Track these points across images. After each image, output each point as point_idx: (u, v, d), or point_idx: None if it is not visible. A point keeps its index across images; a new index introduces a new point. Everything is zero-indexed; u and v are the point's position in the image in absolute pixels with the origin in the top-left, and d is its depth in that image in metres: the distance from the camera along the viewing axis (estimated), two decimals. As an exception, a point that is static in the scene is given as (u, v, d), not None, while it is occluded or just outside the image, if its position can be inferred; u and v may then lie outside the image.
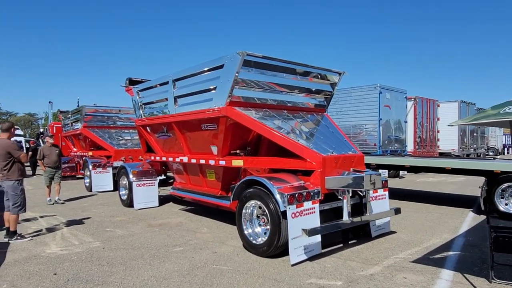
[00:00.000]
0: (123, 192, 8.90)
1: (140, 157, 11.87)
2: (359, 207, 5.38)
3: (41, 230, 6.41)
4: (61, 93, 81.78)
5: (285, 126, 5.47)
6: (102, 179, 11.18)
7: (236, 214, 5.21)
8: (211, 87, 5.73)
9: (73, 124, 13.69)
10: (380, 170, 9.27)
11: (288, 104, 6.18)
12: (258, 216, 5.14)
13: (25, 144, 21.75)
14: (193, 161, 6.60)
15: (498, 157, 30.99)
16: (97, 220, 7.18)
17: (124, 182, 8.87)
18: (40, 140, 20.86)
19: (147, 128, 7.87)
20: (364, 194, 5.36)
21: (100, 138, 12.07)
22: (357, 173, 4.90)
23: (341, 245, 5.36)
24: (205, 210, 7.90)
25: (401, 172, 15.51)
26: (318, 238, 4.74)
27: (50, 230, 6.44)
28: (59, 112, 16.76)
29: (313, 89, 6.45)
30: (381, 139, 14.36)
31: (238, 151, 5.87)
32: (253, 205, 5.07)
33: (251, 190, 4.94)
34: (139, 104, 7.95)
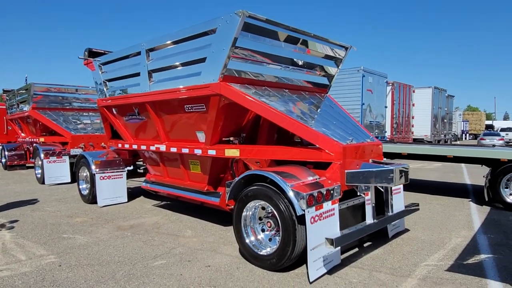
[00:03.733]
0: (84, 186, 7.52)
1: (103, 144, 10.42)
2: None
3: (-25, 239, 5.00)
4: (5, 69, 73.82)
5: (290, 108, 4.46)
6: (57, 170, 9.60)
7: (233, 217, 4.19)
8: (199, 58, 4.56)
9: (20, 105, 11.76)
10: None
11: (289, 82, 5.17)
12: (260, 218, 4.16)
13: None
14: (173, 150, 5.43)
15: (458, 142, 32.22)
16: (51, 223, 5.84)
17: (85, 174, 7.49)
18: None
19: (113, 110, 6.52)
20: (384, 189, 4.54)
21: (54, 121, 10.37)
22: (384, 165, 4.04)
23: (356, 249, 4.53)
24: (184, 207, 6.78)
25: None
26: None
27: (-12, 238, 5.06)
28: (3, 92, 14.53)
29: (317, 65, 5.47)
30: (363, 124, 13.83)
31: (231, 139, 4.80)
32: (255, 205, 4.07)
33: (255, 188, 3.92)
34: (102, 80, 6.55)
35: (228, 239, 4.96)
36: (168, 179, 6.13)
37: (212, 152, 4.82)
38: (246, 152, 4.51)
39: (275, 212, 3.75)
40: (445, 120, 23.42)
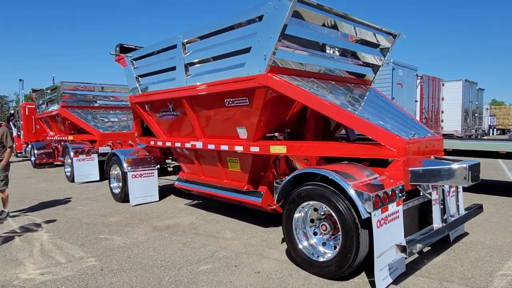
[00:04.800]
0: (115, 184, 7.37)
1: (130, 141, 10.32)
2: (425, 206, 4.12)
3: (11, 239, 4.88)
4: (33, 70, 75.38)
5: (342, 101, 4.10)
6: (86, 168, 9.54)
7: (283, 220, 3.87)
8: (243, 49, 4.25)
9: (49, 104, 11.81)
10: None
11: (334, 73, 4.80)
12: (311, 221, 3.82)
13: (-6, 128, 19.57)
14: (210, 147, 5.16)
15: (485, 137, 30.85)
16: (86, 222, 5.69)
17: (116, 173, 7.35)
18: (11, 123, 18.68)
19: (145, 106, 6.31)
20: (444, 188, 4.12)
21: (82, 120, 10.33)
22: (450, 162, 3.62)
23: (416, 255, 4.13)
24: (218, 206, 6.52)
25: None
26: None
27: (24, 237, 4.92)
28: (32, 91, 14.70)
29: (363, 54, 5.07)
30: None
31: (276, 134, 4.47)
32: (308, 207, 3.75)
33: (309, 187, 3.59)
34: (135, 76, 6.35)
35: (272, 241, 4.65)
36: (203, 177, 5.87)
37: (255, 149, 4.51)
38: (294, 149, 4.18)
39: (334, 215, 3.41)
40: (476, 115, 22.38)
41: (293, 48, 4.08)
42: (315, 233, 3.81)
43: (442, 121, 19.10)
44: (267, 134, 4.54)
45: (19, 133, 16.34)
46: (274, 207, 4.83)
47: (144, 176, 6.93)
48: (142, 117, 6.59)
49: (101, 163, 9.68)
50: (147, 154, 7.17)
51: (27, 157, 15.75)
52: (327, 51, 4.52)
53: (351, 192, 3.21)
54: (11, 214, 6.27)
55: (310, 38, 4.18)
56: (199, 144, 5.39)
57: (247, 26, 4.15)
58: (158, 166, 7.24)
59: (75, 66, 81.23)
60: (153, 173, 7.06)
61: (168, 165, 7.81)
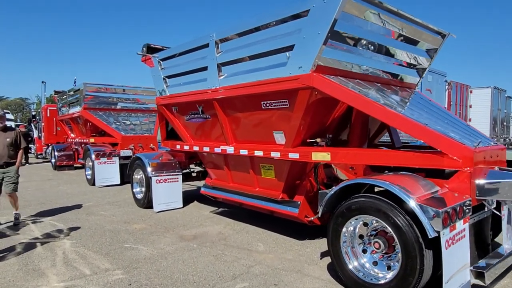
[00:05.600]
0: (138, 189, 7.13)
1: (152, 145, 10.13)
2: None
3: (33, 246, 4.64)
4: (55, 72, 76.57)
5: (394, 105, 3.72)
6: (107, 171, 9.37)
7: (329, 236, 3.49)
8: (284, 47, 3.92)
9: (71, 106, 11.76)
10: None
11: (378, 75, 4.42)
12: (360, 236, 3.44)
13: (15, 129, 19.86)
14: (243, 153, 4.83)
15: (512, 148, 29.59)
16: (109, 229, 5.42)
17: (139, 177, 7.10)
18: (32, 124, 18.89)
19: (173, 108, 6.05)
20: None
21: (104, 122, 10.20)
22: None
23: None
24: (246, 214, 6.18)
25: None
26: (467, 275, 3.04)
27: (46, 245, 4.68)
28: (54, 93, 14.77)
29: (410, 55, 4.68)
30: (421, 127, 12.66)
31: (318, 140, 4.11)
32: (358, 221, 3.36)
33: (362, 200, 3.21)
34: (162, 77, 6.11)
35: (310, 256, 4.27)
36: (232, 184, 5.54)
37: (294, 156, 4.16)
38: (339, 156, 3.80)
39: (391, 232, 3.02)
40: (504, 123, 21.45)
41: (341, 46, 3.73)
42: (364, 251, 3.42)
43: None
44: (308, 140, 4.18)
45: (40, 134, 16.44)
46: (312, 218, 4.49)
47: (168, 181, 6.65)
48: (168, 120, 6.34)
49: (122, 167, 9.51)
50: (172, 158, 6.90)
51: (47, 158, 15.80)
52: (375, 50, 4.15)
53: (415, 207, 2.82)
54: (32, 219, 6.08)
55: (358, 35, 3.83)
56: (230, 149, 5.07)
57: (290, 22, 3.82)
58: (183, 171, 6.96)
59: (97, 68, 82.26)
60: (178, 178, 6.78)
61: (192, 170, 7.54)
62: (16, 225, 5.58)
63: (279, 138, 4.40)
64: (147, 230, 5.37)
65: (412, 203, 2.85)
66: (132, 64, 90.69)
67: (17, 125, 20.85)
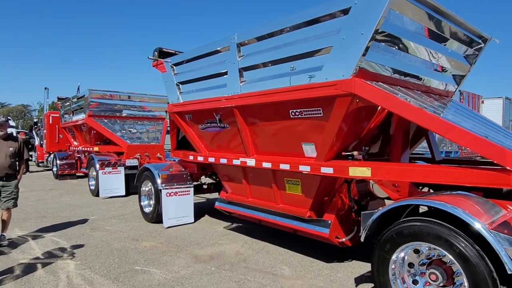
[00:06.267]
0: (146, 202, 6.68)
1: (159, 154, 9.71)
2: None
3: (34, 267, 4.18)
4: (59, 80, 76.20)
5: (446, 116, 3.30)
6: (112, 182, 8.92)
7: (374, 264, 3.04)
8: (319, 49, 3.52)
9: (75, 112, 11.37)
10: None
11: (420, 82, 4.01)
12: (410, 265, 2.99)
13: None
14: (266, 165, 4.40)
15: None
16: (116, 247, 4.97)
17: (147, 189, 6.67)
18: (33, 132, 18.51)
19: (186, 116, 5.64)
20: None
21: (109, 130, 9.79)
22: None
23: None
24: (262, 231, 5.73)
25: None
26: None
27: (48, 267, 4.22)
28: (57, 100, 14.41)
29: (450, 60, 4.28)
30: (436, 137, 12.24)
31: (354, 153, 3.68)
32: (410, 248, 2.92)
33: (417, 224, 2.77)
34: (175, 83, 5.71)
35: (343, 283, 3.81)
36: (251, 199, 5.10)
37: (327, 171, 3.72)
38: (381, 172, 3.37)
39: (456, 262, 2.57)
40: (515, 134, 21.04)
41: (385, 49, 3.33)
42: (414, 282, 2.97)
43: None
44: (342, 153, 3.75)
45: (41, 142, 16.04)
46: (344, 240, 4.05)
47: (179, 195, 6.21)
48: (181, 129, 5.92)
49: (127, 177, 9.09)
50: (182, 169, 6.47)
51: (48, 167, 15.37)
52: (416, 54, 3.75)
53: (488, 236, 2.38)
54: (32, 235, 5.63)
55: (404, 37, 3.43)
56: (250, 162, 4.64)
57: (327, 21, 3.43)
58: (194, 183, 6.53)
59: (101, 75, 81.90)
60: (189, 191, 6.33)
61: (203, 182, 7.11)
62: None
63: (309, 150, 3.97)
64: (158, 249, 4.91)
65: (484, 231, 2.41)
66: (138, 72, 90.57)
67: (17, 132, 20.51)
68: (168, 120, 11.98)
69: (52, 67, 78.83)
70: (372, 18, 3.04)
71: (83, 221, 6.54)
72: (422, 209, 3.23)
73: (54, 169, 13.06)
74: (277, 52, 3.98)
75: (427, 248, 2.88)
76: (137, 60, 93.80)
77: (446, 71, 4.35)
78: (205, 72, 5.09)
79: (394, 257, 2.94)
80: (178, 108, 5.67)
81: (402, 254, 2.95)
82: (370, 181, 3.85)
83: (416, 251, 2.94)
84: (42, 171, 16.11)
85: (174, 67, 5.75)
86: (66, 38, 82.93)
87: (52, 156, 13.70)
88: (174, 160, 7.44)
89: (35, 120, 19.07)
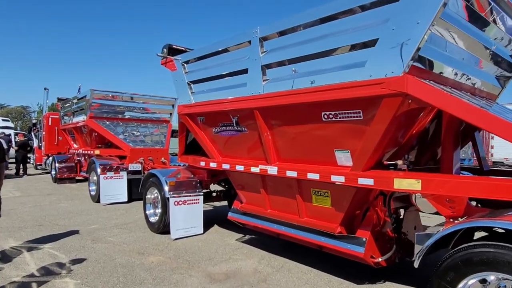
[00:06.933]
0: (151, 211, 6.19)
1: (163, 159, 9.23)
2: None
3: (28, 287, 3.69)
4: (59, 81, 75.36)
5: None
6: (114, 187, 8.42)
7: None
8: (362, 42, 3.07)
9: (75, 114, 10.90)
10: None
11: (465, 81, 3.56)
12: (474, 296, 2.51)
13: (14, 138, 19.01)
14: (291, 174, 3.93)
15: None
16: (120, 263, 4.47)
17: (153, 197, 6.18)
18: (32, 133, 18.01)
19: (198, 118, 5.17)
20: None
21: (111, 132, 9.32)
22: None
23: None
24: (279, 244, 5.24)
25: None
26: None
27: (44, 286, 3.72)
28: (57, 100, 13.93)
29: (500, 58, 3.83)
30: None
31: (399, 163, 3.22)
32: (475, 278, 2.44)
33: (491, 251, 2.30)
34: (186, 82, 5.25)
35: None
36: (270, 211, 4.62)
37: (366, 182, 3.25)
38: (434, 185, 2.89)
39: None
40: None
41: (442, 42, 2.88)
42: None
43: (492, 147, 17.49)
44: (384, 162, 3.29)
45: (40, 144, 15.54)
46: (380, 260, 3.58)
47: (188, 203, 5.72)
48: (192, 132, 5.44)
49: (130, 182, 8.60)
50: (191, 176, 5.99)
51: (46, 170, 14.87)
52: (469, 49, 3.30)
53: None
54: (28, 246, 5.13)
55: (461, 28, 2.97)
56: (272, 170, 4.16)
57: (372, 10, 2.97)
58: (204, 190, 6.05)
59: (103, 77, 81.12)
60: (199, 199, 5.85)
61: (212, 190, 6.63)
62: None
63: (343, 158, 3.50)
64: (167, 265, 4.42)
65: None
66: (140, 74, 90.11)
67: (16, 134, 20.02)
68: (173, 123, 11.57)
69: (53, 69, 78.42)
70: (431, 4, 2.59)
71: (83, 230, 6.04)
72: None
73: (53, 172, 12.56)
74: (307, 47, 3.52)
75: (495, 278, 2.41)
76: (139, 62, 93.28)
77: (495, 70, 3.90)
78: (221, 70, 4.63)
79: (461, 284, 2.46)
80: (190, 109, 5.20)
81: (468, 284, 2.47)
82: (412, 194, 3.38)
83: (483, 281, 2.47)
84: (40, 174, 15.59)
85: (185, 65, 5.29)
86: (67, 39, 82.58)
87: (51, 158, 13.20)
88: (181, 166, 6.98)
89: (34, 121, 18.59)
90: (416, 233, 2.86)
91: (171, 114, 10.90)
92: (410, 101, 2.80)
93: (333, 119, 3.40)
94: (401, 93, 2.77)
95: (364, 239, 3.59)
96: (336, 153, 3.54)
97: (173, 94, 9.67)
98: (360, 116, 3.18)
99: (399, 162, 3.20)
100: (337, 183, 3.49)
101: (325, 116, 3.45)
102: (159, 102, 10.68)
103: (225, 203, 7.26)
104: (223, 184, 6.94)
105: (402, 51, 2.76)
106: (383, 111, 2.94)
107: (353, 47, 3.13)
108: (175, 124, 14.10)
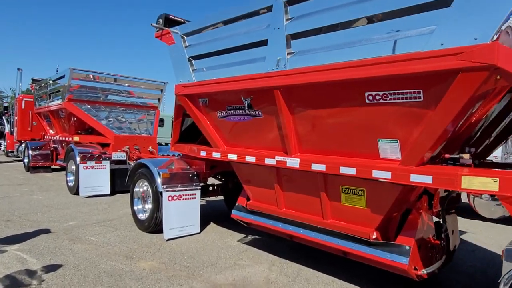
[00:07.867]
0: (140, 206, 5.42)
1: (150, 147, 8.42)
2: None
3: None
4: (35, 62, 70.72)
5: None
6: (95, 178, 7.55)
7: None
8: (430, 1, 2.41)
9: (52, 96, 9.85)
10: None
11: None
12: None
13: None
14: (317, 168, 3.27)
15: None
16: (105, 270, 3.72)
17: (141, 190, 5.42)
18: (3, 118, 16.63)
19: (200, 100, 4.43)
20: None
21: (93, 117, 8.39)
22: None
23: None
24: (287, 246, 4.62)
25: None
26: None
27: (9, 303, 2.95)
28: (31, 81, 12.74)
29: None
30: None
31: (464, 156, 2.61)
32: None
33: None
34: (187, 57, 4.48)
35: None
36: (285, 210, 3.96)
37: (421, 180, 2.63)
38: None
39: None
40: (512, 140, 20.81)
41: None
42: None
43: (481, 144, 17.44)
44: (446, 155, 2.67)
45: (12, 129, 14.29)
46: (423, 272, 3.00)
47: (183, 199, 4.99)
48: (192, 116, 4.69)
49: (113, 173, 7.76)
50: (187, 167, 5.25)
51: (19, 157, 13.70)
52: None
53: None
54: (-8, 247, 4.28)
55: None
56: (292, 162, 3.49)
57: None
58: (201, 184, 5.33)
59: (83, 56, 76.29)
60: (195, 194, 5.13)
61: (210, 183, 5.93)
62: None
63: (389, 150, 2.87)
64: (163, 273, 3.70)
65: None
66: (129, 52, 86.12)
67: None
68: (161, 108, 10.70)
69: (27, 49, 73.78)
70: None
71: (59, 228, 5.22)
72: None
73: (26, 160, 11.47)
74: (348, 11, 2.84)
75: None
76: (131, 42, 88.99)
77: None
78: (231, 43, 3.88)
79: None
80: (190, 89, 4.44)
81: None
82: (471, 194, 2.80)
83: None
84: (11, 162, 14.37)
85: (186, 37, 4.51)
86: (44, 13, 77.41)
87: (23, 145, 12.07)
88: (174, 155, 6.22)
89: (5, 105, 17.19)
90: (506, 247, 2.26)
91: (159, 99, 10.03)
92: (498, 76, 2.17)
93: (381, 101, 2.74)
94: (489, 65, 2.14)
95: (407, 248, 2.99)
96: (379, 143, 2.90)
97: (162, 78, 8.83)
98: (419, 97, 2.54)
99: (465, 155, 2.59)
100: (380, 179, 2.86)
101: (370, 98, 2.80)
102: (146, 86, 9.78)
103: (219, 197, 6.58)
104: (219, 177, 6.25)
105: (491, 11, 2.13)
106: (457, 90, 2.30)
107: (415, 9, 2.47)
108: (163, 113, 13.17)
